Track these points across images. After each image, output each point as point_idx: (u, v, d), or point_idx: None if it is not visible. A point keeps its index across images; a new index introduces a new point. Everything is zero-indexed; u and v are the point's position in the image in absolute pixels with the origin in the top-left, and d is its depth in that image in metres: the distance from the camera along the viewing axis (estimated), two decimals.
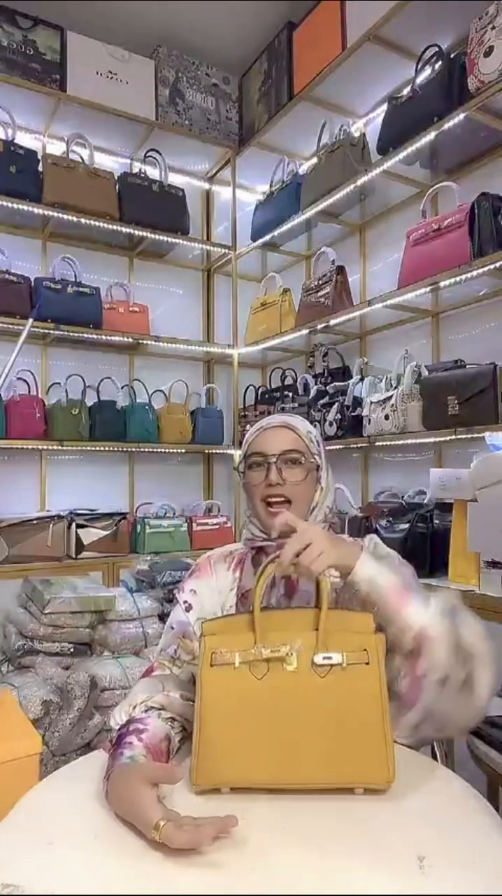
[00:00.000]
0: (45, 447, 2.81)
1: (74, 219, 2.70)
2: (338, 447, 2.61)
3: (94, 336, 2.77)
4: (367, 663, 0.77)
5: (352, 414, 2.47)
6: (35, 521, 2.57)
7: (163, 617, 2.24)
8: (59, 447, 2.74)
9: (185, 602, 1.06)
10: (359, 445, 2.51)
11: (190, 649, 1.01)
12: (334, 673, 0.77)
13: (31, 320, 2.03)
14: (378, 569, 0.87)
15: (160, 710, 0.89)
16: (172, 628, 1.05)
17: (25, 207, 2.61)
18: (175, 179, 3.10)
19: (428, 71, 2.19)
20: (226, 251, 3.22)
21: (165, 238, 2.95)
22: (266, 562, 0.85)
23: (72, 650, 2.09)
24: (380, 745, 0.75)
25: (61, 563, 2.60)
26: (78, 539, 2.66)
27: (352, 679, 0.77)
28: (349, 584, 0.87)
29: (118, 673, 2.00)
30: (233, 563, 1.11)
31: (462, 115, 1.99)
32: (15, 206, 2.58)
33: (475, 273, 1.96)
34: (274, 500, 1.04)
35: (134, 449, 2.99)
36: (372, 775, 0.76)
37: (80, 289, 2.72)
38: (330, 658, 0.77)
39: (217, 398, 3.32)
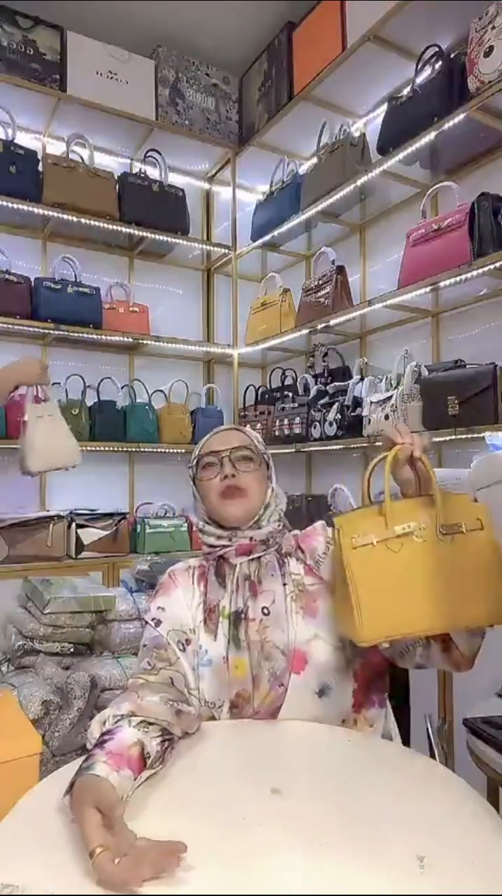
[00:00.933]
0: None
1: (74, 219, 2.70)
2: (338, 447, 2.61)
3: (94, 336, 2.77)
4: (481, 528, 0.91)
5: (352, 414, 2.47)
6: (35, 521, 2.57)
7: None
8: None
9: (154, 619, 1.07)
10: (358, 445, 2.51)
11: (165, 657, 1.02)
12: (457, 539, 0.90)
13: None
14: None
15: (130, 718, 0.83)
16: (145, 646, 1.06)
17: (25, 207, 2.60)
18: (175, 179, 3.10)
19: (428, 71, 2.19)
20: (226, 251, 3.22)
21: (165, 238, 2.95)
22: (392, 451, 0.94)
23: (72, 650, 2.09)
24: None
25: (61, 563, 2.60)
26: (78, 539, 2.66)
27: (472, 542, 0.90)
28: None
29: (118, 673, 2.00)
30: (195, 576, 1.12)
31: (462, 116, 1.99)
32: (15, 206, 2.58)
33: (475, 273, 1.96)
34: (230, 493, 1.08)
35: (134, 449, 2.99)
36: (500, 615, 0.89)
37: (80, 289, 2.72)
38: (453, 527, 0.90)
39: (217, 398, 3.32)
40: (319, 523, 1.18)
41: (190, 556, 1.18)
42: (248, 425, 3.04)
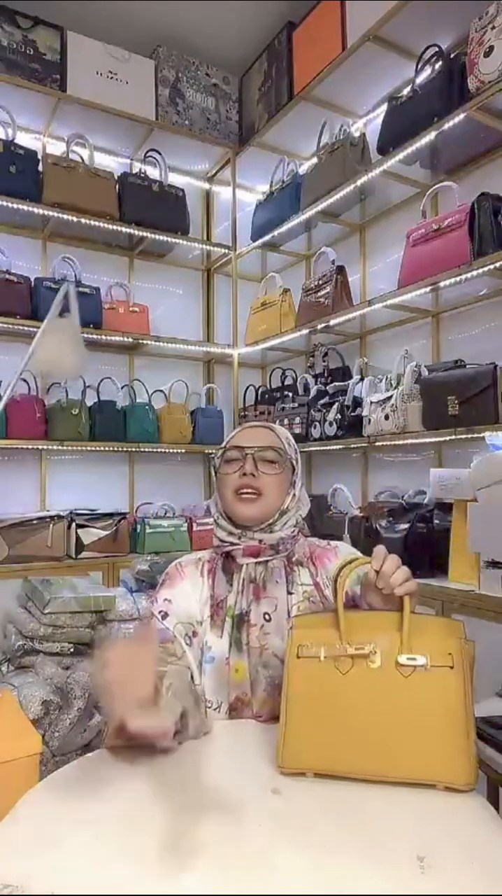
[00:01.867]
0: (45, 447, 2.81)
1: (74, 219, 2.70)
2: (338, 447, 2.61)
3: (94, 336, 2.76)
4: (452, 667, 0.78)
5: (352, 414, 2.47)
6: (35, 521, 2.57)
7: None
8: (59, 447, 2.74)
9: (161, 612, 1.05)
10: (358, 445, 2.51)
11: (171, 651, 1.01)
12: (418, 674, 0.79)
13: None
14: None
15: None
16: None
17: (25, 207, 2.61)
18: (175, 179, 3.10)
19: (428, 71, 2.19)
20: (226, 251, 3.22)
21: (165, 238, 2.95)
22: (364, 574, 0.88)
23: (72, 650, 2.09)
24: (464, 747, 0.77)
25: (61, 563, 2.60)
26: (78, 539, 2.66)
27: (435, 681, 0.78)
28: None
29: None
30: (204, 570, 1.11)
31: (462, 115, 1.99)
32: (15, 206, 2.58)
33: (475, 273, 1.96)
34: (245, 492, 1.06)
35: (134, 449, 2.99)
36: (455, 775, 0.77)
37: (80, 289, 2.72)
38: (414, 659, 0.79)
39: (217, 398, 3.32)
40: (341, 545, 1.14)
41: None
42: None
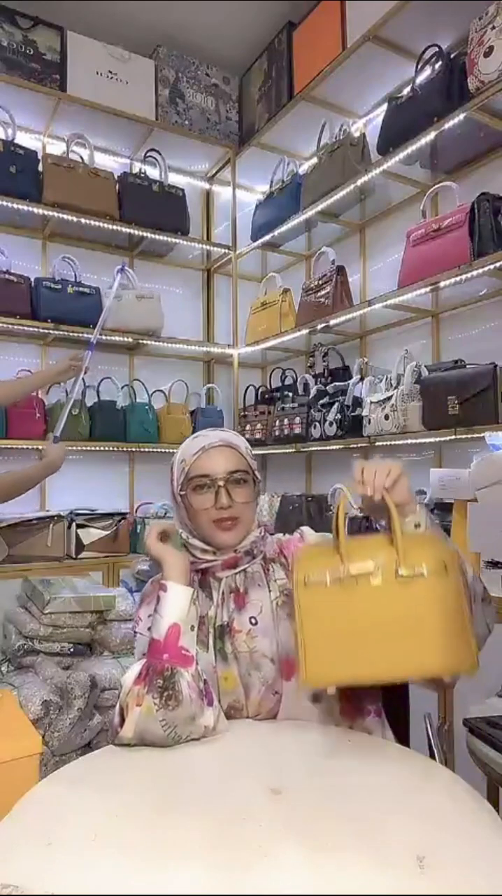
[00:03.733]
0: (44, 447, 2.80)
1: (74, 219, 2.69)
2: (337, 447, 2.61)
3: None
4: (446, 573, 0.83)
5: (352, 414, 2.47)
6: (35, 521, 2.57)
7: None
8: None
9: (149, 628, 1.03)
10: (359, 445, 2.51)
11: None
12: (416, 584, 0.83)
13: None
14: (422, 506, 0.94)
15: None
16: (145, 654, 1.01)
17: (25, 207, 2.60)
18: (175, 179, 3.10)
19: (428, 71, 2.19)
20: (226, 251, 3.22)
21: (165, 238, 2.95)
22: (340, 492, 0.92)
23: (72, 650, 2.09)
24: (465, 639, 0.82)
25: (61, 563, 2.60)
26: (78, 539, 2.66)
27: (432, 588, 0.83)
28: (407, 523, 0.92)
29: (118, 673, 2.00)
30: None
31: (462, 115, 1.99)
32: (15, 206, 2.58)
33: (475, 273, 1.96)
34: (225, 523, 1.05)
35: (134, 449, 2.99)
36: (459, 663, 0.82)
37: (80, 289, 2.72)
38: (411, 570, 0.84)
39: (217, 398, 3.32)
40: (305, 529, 1.16)
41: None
42: (249, 425, 3.04)
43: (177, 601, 0.97)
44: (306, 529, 1.16)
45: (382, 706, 1.07)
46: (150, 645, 0.95)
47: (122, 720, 0.90)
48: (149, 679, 0.90)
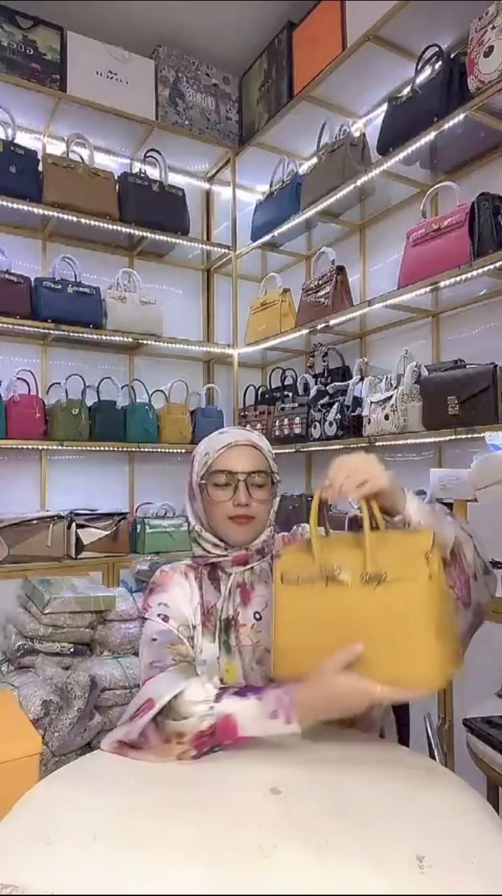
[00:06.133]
0: (45, 447, 2.81)
1: (74, 219, 2.69)
2: (337, 447, 2.60)
3: (94, 336, 2.76)
4: (415, 576, 0.81)
5: (352, 414, 2.47)
6: (35, 521, 2.57)
7: None
8: (59, 447, 2.74)
9: (160, 615, 1.04)
10: (359, 445, 2.51)
11: (184, 653, 1.00)
12: (383, 587, 0.83)
13: None
14: (416, 499, 0.94)
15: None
16: (154, 640, 1.01)
17: (25, 207, 2.60)
18: (175, 179, 3.10)
19: (428, 71, 2.19)
20: (226, 251, 3.22)
21: (165, 238, 2.95)
22: (317, 491, 0.91)
23: (72, 650, 2.09)
24: (430, 649, 0.80)
25: (61, 563, 2.60)
26: (78, 539, 2.66)
27: (399, 592, 0.82)
28: (401, 518, 0.92)
29: (118, 673, 2.00)
30: (190, 577, 1.11)
31: (462, 115, 1.99)
32: (15, 206, 2.58)
33: (475, 273, 1.96)
34: (240, 519, 1.06)
35: (134, 449, 2.99)
36: (433, 676, 0.81)
37: (80, 289, 2.72)
38: (377, 574, 0.83)
39: (217, 398, 3.32)
40: (305, 526, 1.17)
41: (189, 557, 1.16)
42: (249, 425, 3.04)
43: (283, 733, 0.85)
44: (305, 527, 1.16)
45: None
46: (224, 722, 0.85)
47: (145, 733, 0.86)
48: (204, 749, 0.86)
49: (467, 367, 2.07)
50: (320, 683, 0.83)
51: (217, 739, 0.86)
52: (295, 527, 1.19)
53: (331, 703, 0.83)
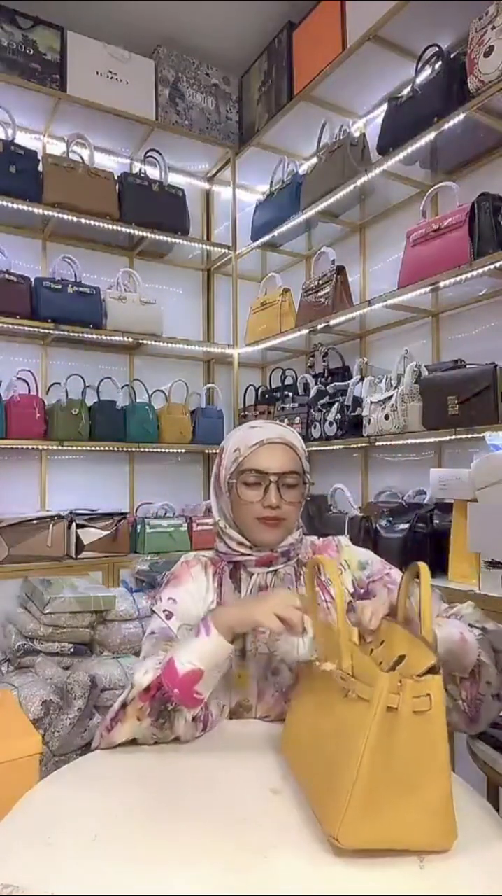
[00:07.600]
0: (45, 447, 2.81)
1: (74, 219, 2.69)
2: (338, 447, 2.61)
3: (94, 336, 2.76)
4: (374, 703, 0.67)
5: (352, 414, 2.47)
6: (35, 521, 2.57)
7: None
8: (59, 447, 2.74)
9: (165, 611, 1.03)
10: (359, 445, 2.51)
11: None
12: (355, 702, 0.73)
13: None
14: (444, 627, 0.86)
15: None
16: (153, 633, 1.01)
17: (25, 207, 2.60)
18: (175, 179, 3.10)
19: (428, 71, 2.19)
20: (226, 251, 3.22)
21: (165, 238, 2.95)
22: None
23: (72, 650, 2.09)
24: (352, 800, 0.65)
25: (61, 563, 2.60)
26: (78, 539, 2.66)
27: (361, 711, 0.69)
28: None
29: (118, 673, 2.00)
30: (210, 572, 1.08)
31: (462, 115, 1.99)
32: (15, 206, 2.58)
33: (475, 273, 1.96)
34: (269, 521, 1.03)
35: (134, 449, 2.99)
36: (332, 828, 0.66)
37: (80, 289, 2.72)
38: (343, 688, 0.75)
39: (217, 398, 3.32)
40: (341, 538, 1.13)
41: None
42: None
43: (215, 651, 0.89)
44: (342, 539, 1.13)
45: None
46: (167, 666, 0.88)
47: (113, 719, 0.90)
48: (154, 702, 0.88)
49: (467, 367, 2.07)
50: (240, 605, 0.94)
51: (165, 688, 0.87)
52: (335, 538, 1.14)
53: (241, 614, 0.89)
